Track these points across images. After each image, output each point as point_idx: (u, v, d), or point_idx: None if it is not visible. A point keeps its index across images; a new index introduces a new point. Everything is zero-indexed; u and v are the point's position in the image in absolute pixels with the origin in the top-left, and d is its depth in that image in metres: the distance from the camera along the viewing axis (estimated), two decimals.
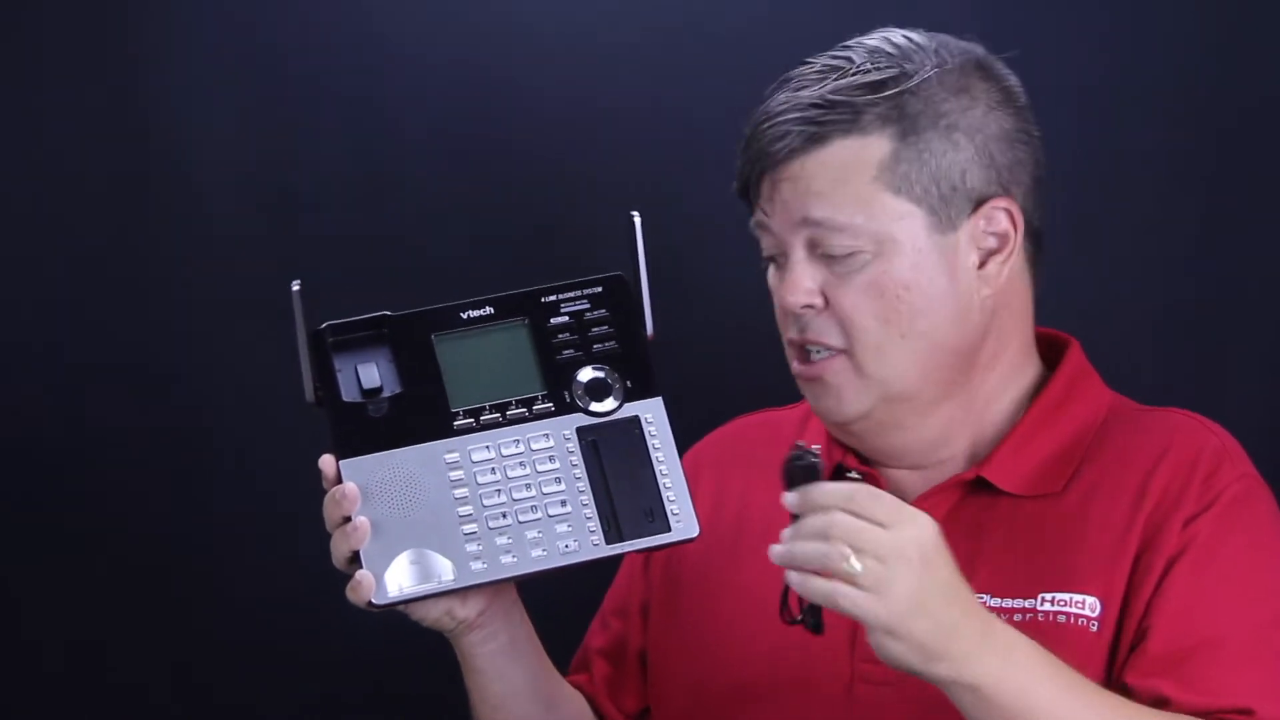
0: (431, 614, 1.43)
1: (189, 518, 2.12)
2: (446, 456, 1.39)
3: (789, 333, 1.48)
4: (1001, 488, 1.47)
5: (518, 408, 1.40)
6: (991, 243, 1.48)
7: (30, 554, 2.12)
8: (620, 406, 1.39)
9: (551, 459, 1.39)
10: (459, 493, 1.38)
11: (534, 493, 1.38)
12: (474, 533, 1.37)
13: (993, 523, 1.46)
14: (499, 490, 1.39)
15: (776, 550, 1.29)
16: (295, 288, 1.42)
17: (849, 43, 1.49)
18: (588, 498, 1.38)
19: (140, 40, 2.10)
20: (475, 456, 1.39)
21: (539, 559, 1.37)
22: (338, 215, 2.10)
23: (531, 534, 1.37)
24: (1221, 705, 1.36)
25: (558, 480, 1.38)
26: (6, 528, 2.13)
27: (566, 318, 1.42)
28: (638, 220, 1.41)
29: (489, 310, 1.44)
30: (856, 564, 1.25)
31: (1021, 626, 1.38)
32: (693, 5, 2.05)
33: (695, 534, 1.38)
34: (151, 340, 2.12)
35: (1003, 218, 1.47)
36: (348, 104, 2.09)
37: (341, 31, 2.08)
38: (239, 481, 2.12)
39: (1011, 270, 1.48)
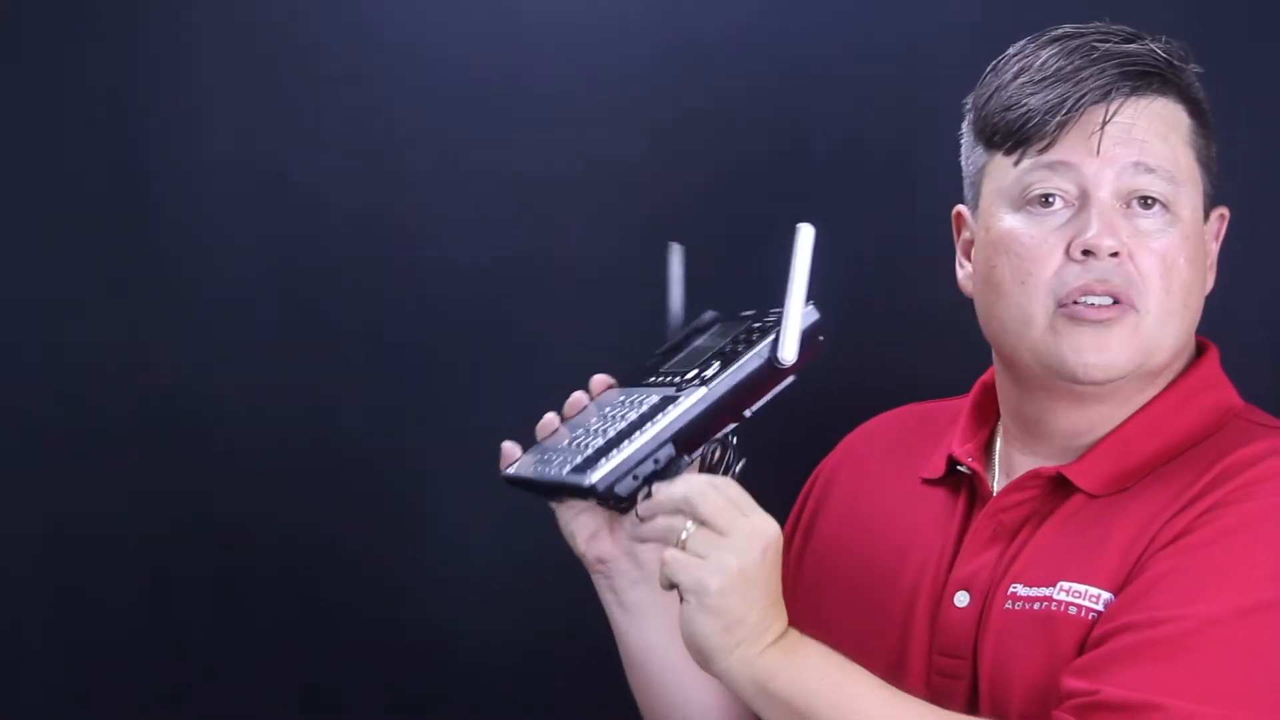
0: (565, 529, 1.51)
1: (189, 518, 2.12)
2: (617, 398, 1.49)
3: (1075, 280, 1.42)
4: (1080, 487, 1.44)
5: (670, 376, 1.45)
6: (1214, 245, 1.47)
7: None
8: (683, 384, 1.42)
9: (631, 410, 1.43)
10: (587, 418, 1.48)
11: (599, 427, 1.44)
12: (564, 446, 1.45)
13: (1058, 515, 1.45)
14: (595, 419, 1.46)
15: (643, 507, 1.36)
16: (676, 246, 1.51)
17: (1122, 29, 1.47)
18: (608, 439, 1.42)
19: (141, 40, 2.10)
20: (615, 399, 1.48)
21: (537, 469, 1.45)
22: (338, 215, 2.10)
23: (567, 454, 1.43)
24: (1125, 699, 1.30)
25: (614, 422, 1.43)
26: (8, 525, 2.13)
27: (760, 324, 1.44)
28: (802, 233, 1.37)
29: (753, 311, 1.48)
30: (686, 533, 1.32)
31: (1037, 614, 1.39)
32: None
33: (586, 483, 1.37)
34: (151, 340, 2.12)
35: (1220, 224, 1.48)
36: (349, 104, 2.09)
37: (343, 31, 2.09)
38: (234, 480, 2.12)
39: None
